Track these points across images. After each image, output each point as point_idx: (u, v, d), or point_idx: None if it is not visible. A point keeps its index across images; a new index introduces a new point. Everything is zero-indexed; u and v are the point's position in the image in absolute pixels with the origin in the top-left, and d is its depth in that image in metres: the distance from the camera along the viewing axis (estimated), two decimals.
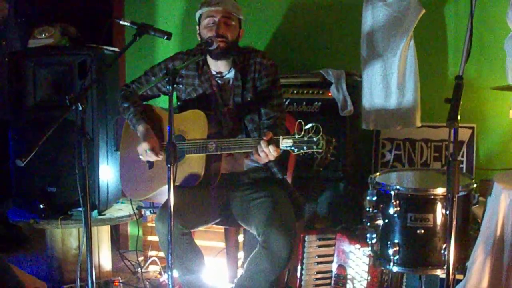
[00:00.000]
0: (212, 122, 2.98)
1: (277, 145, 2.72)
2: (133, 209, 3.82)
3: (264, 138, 2.73)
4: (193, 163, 2.95)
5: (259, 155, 2.76)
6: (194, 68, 3.13)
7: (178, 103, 3.21)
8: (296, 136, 2.68)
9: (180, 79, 3.15)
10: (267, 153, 2.72)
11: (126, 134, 3.26)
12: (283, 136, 2.72)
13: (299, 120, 2.67)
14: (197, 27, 3.11)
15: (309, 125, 2.65)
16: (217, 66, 3.10)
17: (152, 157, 3.00)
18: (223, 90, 3.12)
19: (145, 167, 3.11)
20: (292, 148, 2.70)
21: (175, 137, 2.98)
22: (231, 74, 3.11)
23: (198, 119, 2.97)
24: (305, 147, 2.66)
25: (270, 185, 3.09)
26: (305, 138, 2.66)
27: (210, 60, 3.11)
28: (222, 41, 2.99)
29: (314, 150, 2.66)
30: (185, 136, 3.00)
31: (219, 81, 3.12)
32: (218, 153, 2.91)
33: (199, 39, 3.10)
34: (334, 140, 2.69)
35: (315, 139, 2.65)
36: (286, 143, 2.71)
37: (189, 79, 3.13)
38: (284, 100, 3.30)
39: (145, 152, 3.00)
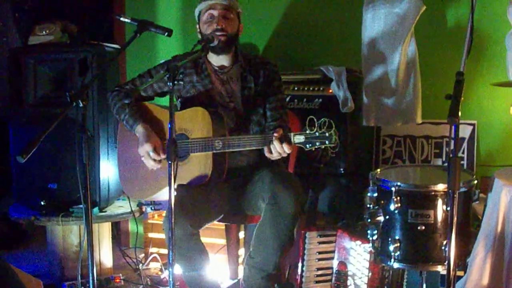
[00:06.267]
0: (215, 118, 2.94)
1: (289, 141, 2.72)
2: (132, 206, 3.81)
3: (275, 135, 2.73)
4: (200, 163, 2.91)
5: (270, 152, 2.76)
6: (191, 66, 3.10)
7: (179, 99, 3.18)
8: (308, 131, 2.69)
9: (180, 76, 3.13)
10: (278, 150, 2.73)
11: (122, 133, 3.19)
12: (294, 132, 2.73)
13: (310, 116, 2.69)
14: (197, 26, 3.10)
15: (321, 120, 2.69)
16: (219, 60, 3.09)
17: (156, 158, 2.96)
18: (227, 84, 3.11)
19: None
20: (305, 143, 2.71)
21: (178, 136, 2.92)
22: (235, 69, 3.10)
23: (201, 117, 2.93)
24: (318, 143, 2.70)
25: (270, 164, 3.05)
26: (317, 134, 2.69)
27: (211, 56, 3.09)
28: (223, 35, 2.98)
29: (327, 145, 2.69)
30: (188, 135, 2.96)
31: (223, 76, 3.10)
32: (225, 151, 2.89)
33: (199, 37, 3.08)
34: (337, 133, 2.72)
35: (327, 134, 2.68)
36: (298, 139, 2.72)
37: (186, 77, 3.10)
38: (285, 96, 3.30)
39: (147, 153, 2.96)
